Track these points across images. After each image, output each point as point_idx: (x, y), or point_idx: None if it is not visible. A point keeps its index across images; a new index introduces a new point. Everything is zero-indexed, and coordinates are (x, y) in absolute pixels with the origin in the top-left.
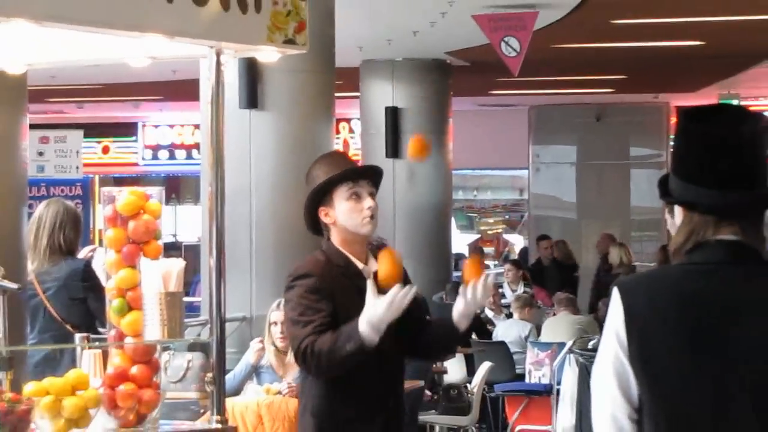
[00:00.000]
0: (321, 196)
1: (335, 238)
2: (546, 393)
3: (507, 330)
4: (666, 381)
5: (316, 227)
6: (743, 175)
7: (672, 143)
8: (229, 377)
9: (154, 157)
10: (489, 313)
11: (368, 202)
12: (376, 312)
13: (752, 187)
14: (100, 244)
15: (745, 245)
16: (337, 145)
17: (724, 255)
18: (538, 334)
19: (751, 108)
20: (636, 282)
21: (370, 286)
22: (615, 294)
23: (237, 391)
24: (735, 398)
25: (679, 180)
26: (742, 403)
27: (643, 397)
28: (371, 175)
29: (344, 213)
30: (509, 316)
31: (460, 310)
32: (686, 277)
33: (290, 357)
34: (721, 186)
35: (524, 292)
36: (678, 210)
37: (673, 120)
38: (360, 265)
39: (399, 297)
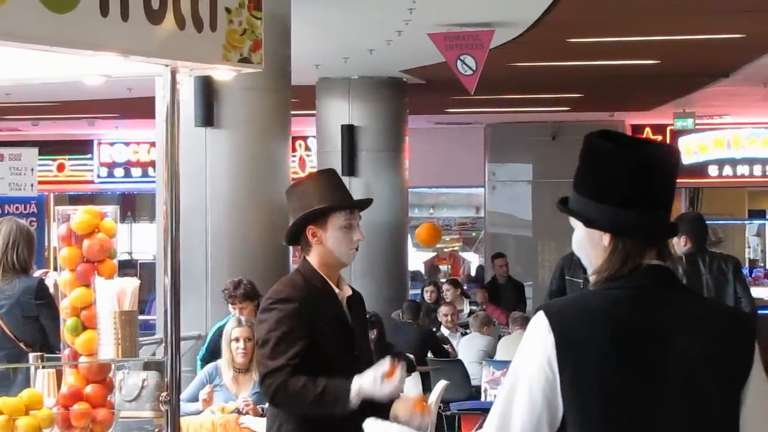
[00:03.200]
0: (316, 216)
1: (314, 258)
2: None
3: (470, 342)
4: (600, 410)
5: (295, 239)
6: (668, 199)
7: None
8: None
9: (110, 174)
10: (445, 332)
11: (358, 234)
12: (374, 390)
13: (668, 212)
14: (55, 261)
15: (669, 269)
16: (293, 164)
17: (651, 280)
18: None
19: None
20: (564, 308)
21: (381, 367)
22: (542, 321)
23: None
24: (670, 426)
25: (600, 204)
26: (676, 428)
27: (571, 427)
28: (363, 206)
29: (335, 239)
30: (465, 334)
31: (395, 415)
32: (617, 304)
33: (248, 375)
34: (651, 208)
35: (471, 310)
36: (596, 234)
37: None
38: (335, 289)
39: (400, 385)
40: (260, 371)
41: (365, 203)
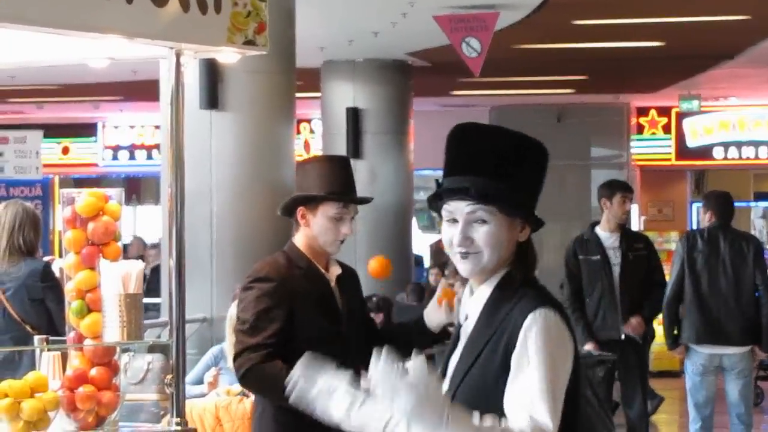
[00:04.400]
0: (308, 200)
1: (300, 239)
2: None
3: None
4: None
5: (287, 213)
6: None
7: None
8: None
9: (114, 157)
10: None
11: (346, 229)
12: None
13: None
14: (60, 244)
15: None
16: (298, 146)
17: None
18: None
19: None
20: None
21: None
22: (561, 324)
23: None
24: None
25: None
26: None
27: None
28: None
29: (321, 228)
30: None
31: (439, 320)
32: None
33: None
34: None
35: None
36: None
37: (634, 120)
38: (321, 270)
39: None
40: (236, 348)
41: (362, 201)
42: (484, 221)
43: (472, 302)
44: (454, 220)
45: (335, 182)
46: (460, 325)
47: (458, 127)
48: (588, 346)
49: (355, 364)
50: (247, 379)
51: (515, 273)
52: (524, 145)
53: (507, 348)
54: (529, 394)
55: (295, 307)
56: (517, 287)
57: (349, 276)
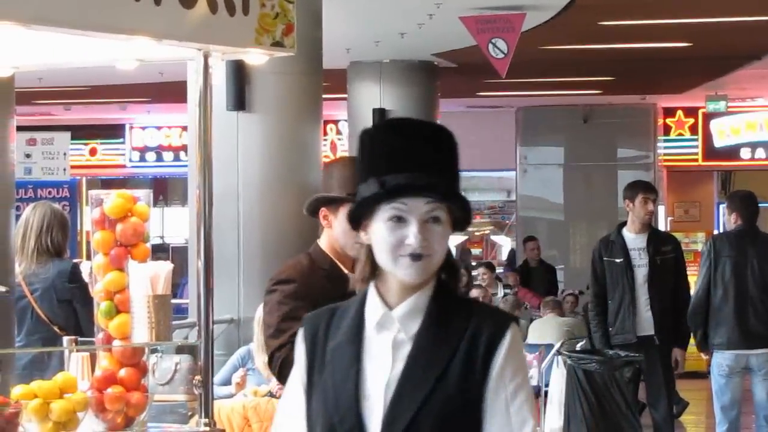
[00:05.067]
0: (330, 201)
1: (324, 241)
2: (534, 395)
3: None
4: None
5: (312, 213)
6: None
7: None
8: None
9: (142, 159)
10: None
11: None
12: None
13: None
14: (88, 245)
15: None
16: (325, 147)
17: None
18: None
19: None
20: None
21: None
22: None
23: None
24: None
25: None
26: None
27: None
28: None
29: (342, 229)
30: None
31: None
32: None
33: None
34: None
35: (504, 293)
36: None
37: (660, 121)
38: (345, 271)
39: None
40: (267, 353)
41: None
42: (438, 220)
43: (400, 314)
44: (399, 219)
45: (356, 184)
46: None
47: (399, 121)
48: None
49: None
50: (283, 376)
51: (448, 280)
52: (455, 142)
53: (484, 367)
54: (521, 416)
55: (316, 307)
56: (455, 297)
57: None
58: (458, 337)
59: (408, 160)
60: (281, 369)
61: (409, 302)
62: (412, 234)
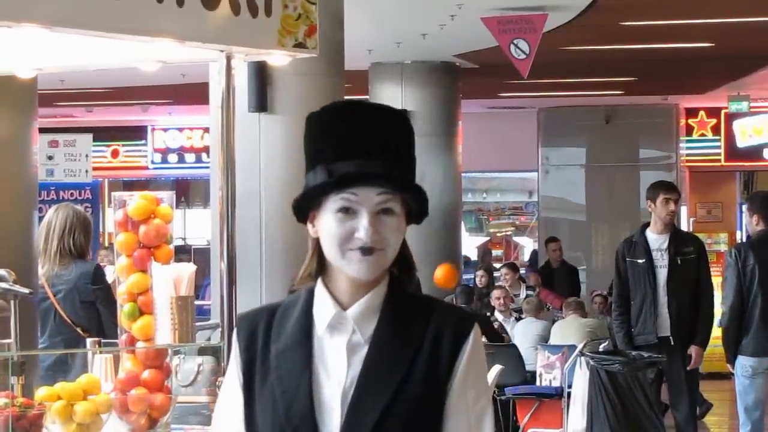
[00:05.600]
0: None
1: None
2: (557, 396)
3: (525, 327)
4: None
5: None
6: None
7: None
8: None
9: (164, 160)
10: (499, 317)
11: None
12: None
13: None
14: (110, 247)
15: None
16: None
17: None
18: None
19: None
20: None
21: None
22: None
23: None
24: None
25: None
26: None
27: None
28: None
29: None
30: (518, 319)
31: None
32: None
33: None
34: None
35: (527, 295)
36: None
37: (683, 122)
38: None
39: None
40: None
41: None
42: (391, 212)
43: (354, 314)
44: (348, 210)
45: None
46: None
47: (348, 104)
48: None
49: None
50: None
51: (402, 277)
52: (411, 126)
53: (448, 368)
54: (480, 421)
55: None
56: (412, 295)
57: None
58: (420, 337)
59: (359, 146)
60: None
61: (364, 301)
62: (362, 227)
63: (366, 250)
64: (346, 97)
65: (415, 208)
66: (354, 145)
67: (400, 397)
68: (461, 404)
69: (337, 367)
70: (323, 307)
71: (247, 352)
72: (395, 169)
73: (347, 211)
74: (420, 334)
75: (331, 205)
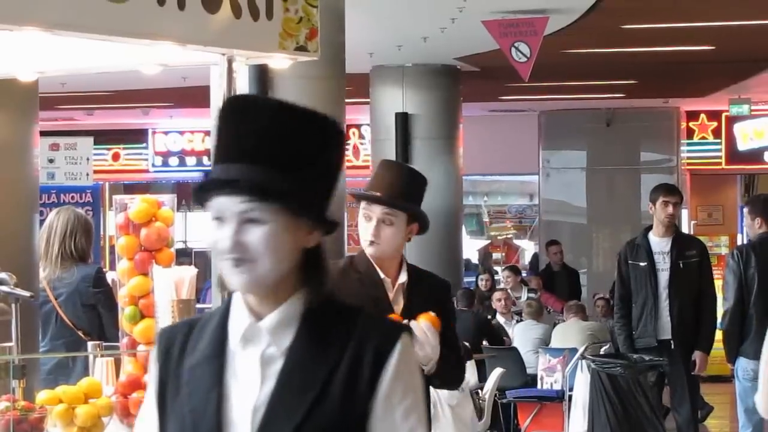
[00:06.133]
0: (358, 201)
1: None
2: (558, 399)
3: (526, 330)
4: None
5: None
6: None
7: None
8: None
9: (165, 163)
10: (501, 319)
11: (371, 230)
12: None
13: None
14: (111, 251)
15: None
16: (348, 152)
17: None
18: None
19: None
20: None
21: None
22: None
23: None
24: None
25: None
26: None
27: None
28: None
29: (359, 228)
30: (520, 321)
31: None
32: None
33: None
34: None
35: (528, 297)
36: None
37: (684, 125)
38: (381, 274)
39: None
40: None
41: (374, 198)
42: (258, 221)
43: (269, 325)
44: (220, 218)
45: (372, 183)
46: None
47: (232, 100)
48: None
49: None
50: None
51: (317, 290)
52: (317, 125)
53: (370, 385)
54: None
55: None
56: (337, 305)
57: (422, 285)
58: (339, 351)
59: (231, 149)
60: None
61: (280, 311)
62: (225, 236)
63: (236, 261)
64: (278, 98)
65: (307, 215)
66: (231, 146)
67: (314, 416)
68: (386, 424)
69: (249, 383)
70: (238, 319)
71: (162, 369)
72: (269, 176)
73: (219, 219)
74: (340, 347)
75: (210, 213)
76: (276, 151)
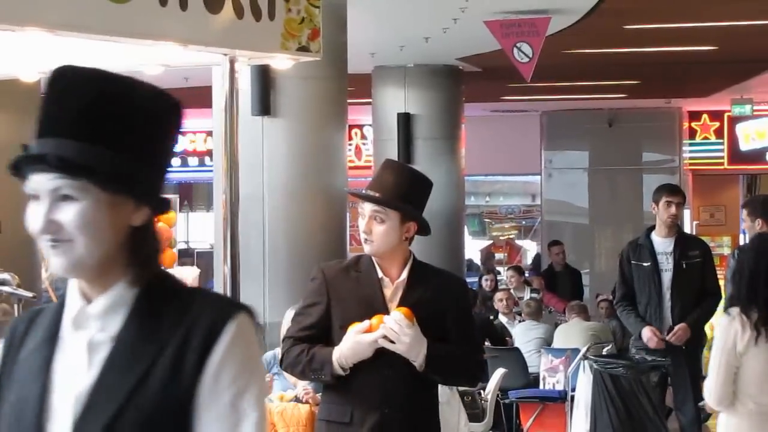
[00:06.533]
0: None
1: None
2: (560, 399)
3: (525, 332)
4: None
5: None
6: None
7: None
8: None
9: None
10: (503, 319)
11: (363, 226)
12: (356, 350)
13: None
14: None
15: None
16: (350, 152)
17: None
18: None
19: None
20: None
21: (360, 324)
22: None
23: None
24: None
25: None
26: None
27: None
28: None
29: (359, 226)
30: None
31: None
32: None
33: None
34: None
35: (531, 297)
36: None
37: (686, 125)
38: (380, 273)
39: (374, 341)
40: None
41: (364, 196)
42: (71, 198)
43: (98, 310)
44: (36, 196)
45: (370, 182)
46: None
47: (55, 71)
48: (645, 332)
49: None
50: (283, 366)
51: (145, 271)
52: (144, 98)
53: (197, 366)
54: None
55: (335, 304)
56: (174, 287)
57: (427, 284)
58: (168, 332)
59: (45, 123)
60: (281, 361)
61: (110, 295)
62: (37, 214)
63: (52, 242)
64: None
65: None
66: (45, 120)
67: (132, 403)
68: (213, 408)
69: (76, 370)
70: (71, 304)
71: (3, 360)
72: (82, 148)
73: (35, 198)
74: (170, 329)
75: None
76: (92, 125)
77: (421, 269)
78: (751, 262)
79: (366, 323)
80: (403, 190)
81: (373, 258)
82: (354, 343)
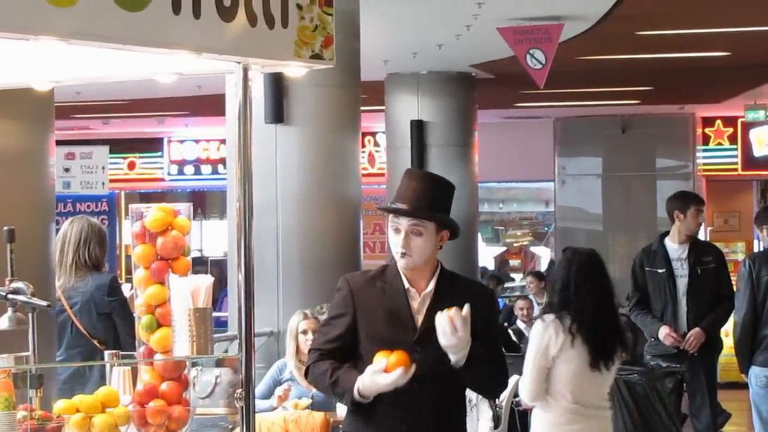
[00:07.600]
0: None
1: None
2: None
3: None
4: None
5: None
6: None
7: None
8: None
9: (180, 172)
10: (521, 325)
11: (400, 242)
12: (374, 388)
13: None
14: (127, 260)
15: None
16: (363, 160)
17: None
18: None
19: None
20: None
21: (379, 362)
22: None
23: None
24: None
25: None
26: None
27: None
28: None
29: (389, 240)
30: None
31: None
32: None
33: None
34: None
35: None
36: None
37: (699, 131)
38: (407, 284)
39: (399, 380)
40: None
41: (401, 211)
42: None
43: None
44: None
45: (398, 194)
46: None
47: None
48: (663, 330)
49: (426, 372)
50: (309, 378)
51: None
52: None
53: None
54: None
55: (361, 315)
56: None
57: (454, 294)
58: None
59: None
60: (307, 373)
61: None
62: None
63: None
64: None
65: None
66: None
67: None
68: None
69: None
70: None
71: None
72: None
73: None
74: None
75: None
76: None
77: (449, 279)
78: (563, 273)
79: (383, 362)
80: (434, 199)
81: (403, 270)
82: (371, 383)
